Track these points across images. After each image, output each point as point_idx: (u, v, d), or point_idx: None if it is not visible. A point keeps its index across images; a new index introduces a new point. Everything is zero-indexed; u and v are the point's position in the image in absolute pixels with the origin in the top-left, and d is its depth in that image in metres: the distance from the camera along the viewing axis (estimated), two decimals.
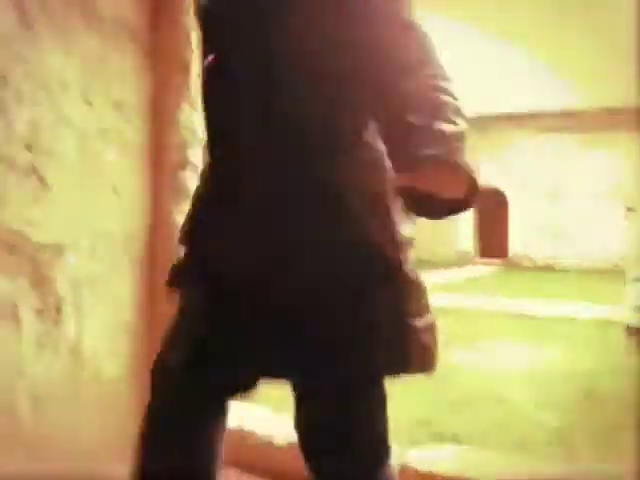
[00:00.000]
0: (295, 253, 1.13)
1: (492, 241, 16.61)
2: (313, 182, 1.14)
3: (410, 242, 1.19)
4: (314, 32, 1.16)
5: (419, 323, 1.15)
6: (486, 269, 15.21)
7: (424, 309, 1.19)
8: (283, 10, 1.17)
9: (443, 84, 1.12)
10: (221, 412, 1.27)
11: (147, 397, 1.24)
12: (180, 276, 1.26)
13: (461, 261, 16.34)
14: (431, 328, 1.18)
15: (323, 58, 1.15)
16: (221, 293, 1.18)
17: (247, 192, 1.17)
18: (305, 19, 1.16)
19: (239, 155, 1.19)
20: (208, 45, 1.30)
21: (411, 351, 1.14)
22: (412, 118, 1.08)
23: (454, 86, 1.14)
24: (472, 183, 1.07)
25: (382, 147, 1.19)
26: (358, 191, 1.15)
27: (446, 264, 15.13)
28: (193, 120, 2.46)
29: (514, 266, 15.67)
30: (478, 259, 16.66)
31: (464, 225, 16.59)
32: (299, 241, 1.13)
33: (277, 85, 1.16)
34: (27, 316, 1.97)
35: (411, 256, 1.18)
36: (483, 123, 14.39)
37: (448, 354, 5.51)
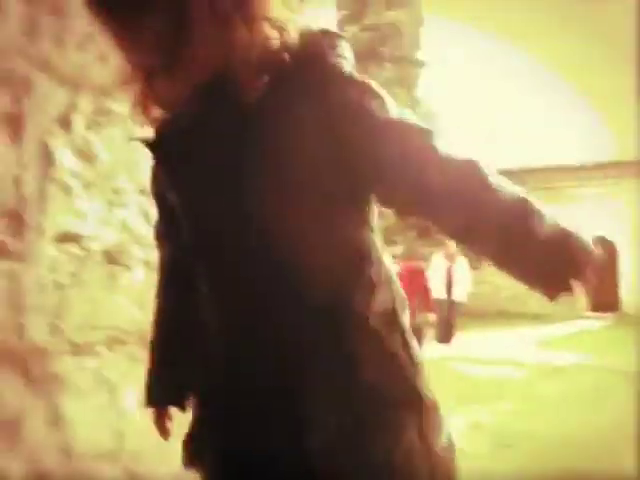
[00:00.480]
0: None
1: (602, 293, 15.96)
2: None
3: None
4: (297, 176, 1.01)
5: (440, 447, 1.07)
6: (598, 322, 14.61)
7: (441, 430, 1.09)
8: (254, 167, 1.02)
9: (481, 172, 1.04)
10: None
11: None
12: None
13: (570, 315, 15.78)
14: (449, 449, 1.09)
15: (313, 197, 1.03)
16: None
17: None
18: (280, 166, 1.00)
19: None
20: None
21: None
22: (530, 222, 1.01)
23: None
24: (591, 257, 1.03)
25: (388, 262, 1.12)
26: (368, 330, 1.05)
27: (556, 319, 14.65)
28: None
29: (628, 318, 14.94)
30: (589, 312, 16.03)
31: None
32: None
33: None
34: None
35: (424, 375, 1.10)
36: (583, 172, 14.06)
37: None
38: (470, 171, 1.01)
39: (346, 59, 1.06)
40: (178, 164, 1.09)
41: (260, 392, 1.04)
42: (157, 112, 1.09)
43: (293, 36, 1.03)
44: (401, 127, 1.03)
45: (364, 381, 1.01)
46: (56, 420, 1.77)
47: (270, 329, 1.04)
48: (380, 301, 1.05)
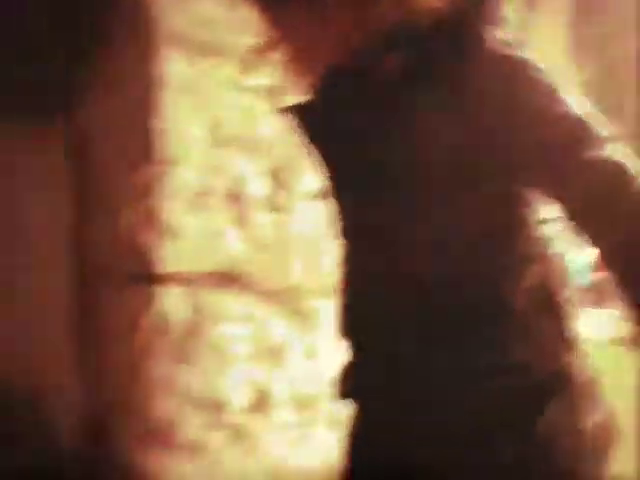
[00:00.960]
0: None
1: None
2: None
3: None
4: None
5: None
6: None
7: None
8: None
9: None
10: None
11: None
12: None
13: None
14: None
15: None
16: None
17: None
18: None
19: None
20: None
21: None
22: None
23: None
24: None
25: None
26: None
27: None
28: None
29: None
30: None
31: None
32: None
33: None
34: None
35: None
36: None
37: None
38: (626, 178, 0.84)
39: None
40: (322, 136, 0.98)
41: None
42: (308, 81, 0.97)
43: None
44: (570, 125, 0.85)
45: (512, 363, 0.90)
46: (313, 352, 2.22)
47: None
48: (529, 278, 0.91)
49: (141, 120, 2.13)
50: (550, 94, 0.85)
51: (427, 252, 0.89)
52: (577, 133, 0.84)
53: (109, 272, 2.26)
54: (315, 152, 0.99)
